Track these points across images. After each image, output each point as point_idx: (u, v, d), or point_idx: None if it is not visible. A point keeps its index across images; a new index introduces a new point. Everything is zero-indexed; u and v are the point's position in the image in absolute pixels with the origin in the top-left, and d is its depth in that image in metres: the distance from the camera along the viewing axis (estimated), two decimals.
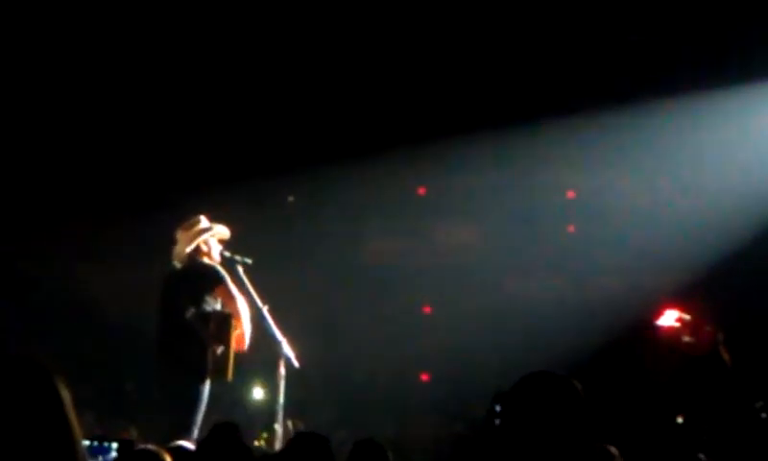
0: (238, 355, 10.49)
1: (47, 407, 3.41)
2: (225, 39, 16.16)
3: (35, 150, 16.93)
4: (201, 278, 10.50)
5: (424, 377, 18.49)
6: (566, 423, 4.75)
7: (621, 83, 16.31)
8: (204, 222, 10.69)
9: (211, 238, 10.71)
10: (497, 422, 8.20)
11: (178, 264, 10.64)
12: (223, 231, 10.84)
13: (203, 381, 10.26)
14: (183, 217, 10.89)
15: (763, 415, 11.51)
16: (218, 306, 10.48)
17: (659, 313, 12.79)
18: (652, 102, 16.11)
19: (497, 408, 8.21)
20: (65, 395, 3.46)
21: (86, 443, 7.61)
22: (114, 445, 7.81)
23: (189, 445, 8.05)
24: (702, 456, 5.75)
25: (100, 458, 7.81)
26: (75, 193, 17.02)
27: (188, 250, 10.55)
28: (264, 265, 11.21)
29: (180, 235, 10.64)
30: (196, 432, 10.02)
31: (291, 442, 6.79)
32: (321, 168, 17.32)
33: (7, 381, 3.42)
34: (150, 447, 6.34)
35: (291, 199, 18.33)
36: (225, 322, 10.38)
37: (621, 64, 16.37)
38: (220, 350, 10.32)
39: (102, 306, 17.55)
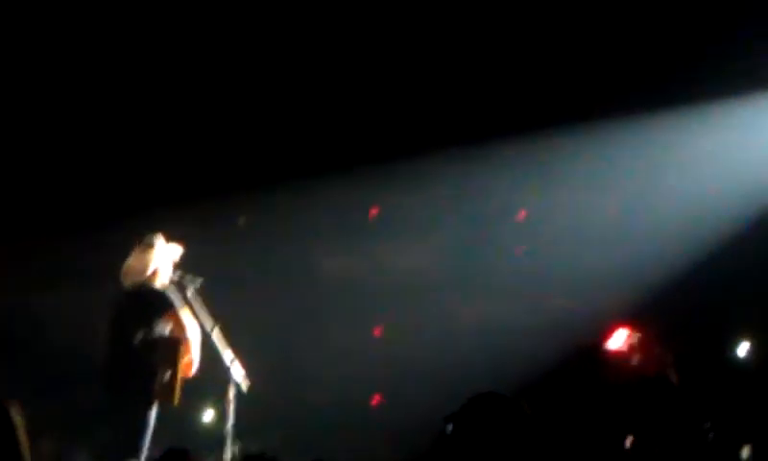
0: (187, 379, 10.46)
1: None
2: (171, 58, 16.05)
3: None
4: (150, 303, 10.46)
5: (375, 400, 18.44)
6: (514, 443, 4.78)
7: (571, 103, 16.37)
8: (160, 243, 10.66)
9: (163, 260, 10.69)
10: (448, 442, 8.20)
11: (128, 285, 10.58)
12: (176, 252, 10.81)
13: (149, 406, 10.22)
14: (133, 238, 10.84)
15: (711, 435, 11.56)
16: (166, 331, 10.44)
17: (609, 334, 12.88)
18: (602, 122, 16.17)
19: (449, 428, 8.21)
20: (18, 421, 3.43)
21: None
22: None
23: None
24: None
25: None
26: (18, 214, 16.81)
27: (147, 273, 10.51)
28: (215, 286, 11.18)
29: (135, 255, 10.59)
30: (143, 458, 9.99)
31: None
32: (272, 188, 17.27)
33: None
34: None
35: (242, 219, 18.24)
36: (173, 347, 10.36)
37: (571, 85, 16.43)
38: (167, 375, 10.28)
39: (48, 330, 17.38)
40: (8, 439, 3.47)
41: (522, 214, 18.61)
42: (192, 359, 10.41)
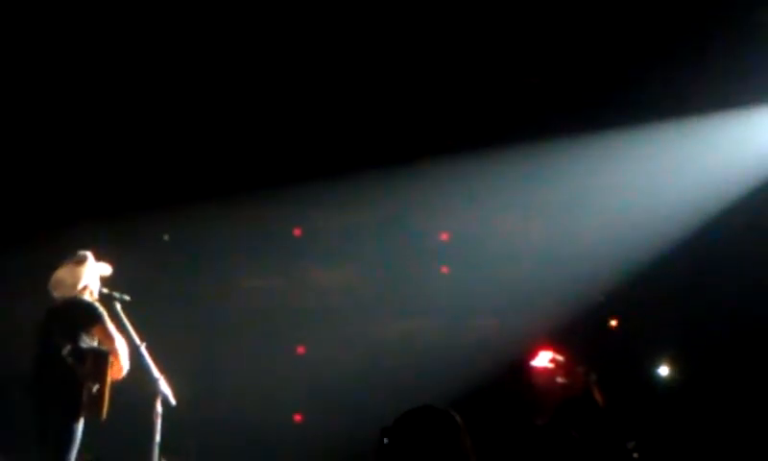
0: (114, 393, 10.38)
1: None
2: (101, 72, 15.93)
3: None
4: (79, 315, 10.38)
5: (297, 418, 18.41)
6: (450, 454, 4.82)
7: (494, 125, 16.50)
8: (91, 259, 10.61)
9: (93, 276, 10.64)
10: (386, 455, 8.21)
11: (57, 297, 10.49)
12: (105, 269, 10.77)
13: (76, 419, 10.12)
14: (60, 252, 10.77)
15: (635, 455, 11.69)
16: (95, 344, 10.36)
17: (533, 354, 12.95)
18: (525, 144, 16.31)
19: (385, 440, 8.21)
20: None
21: None
22: None
23: None
24: None
25: None
26: None
27: (78, 287, 10.44)
28: (140, 303, 11.12)
29: (66, 268, 10.52)
30: None
31: None
32: (196, 206, 17.20)
33: None
34: None
35: (166, 237, 18.12)
36: (102, 360, 10.27)
37: (496, 107, 16.56)
38: (95, 388, 10.19)
39: None
40: None
41: (445, 235, 18.71)
42: (122, 366, 10.34)
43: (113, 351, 10.29)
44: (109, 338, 10.30)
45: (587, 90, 15.79)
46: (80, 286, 10.43)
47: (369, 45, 15.83)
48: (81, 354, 10.20)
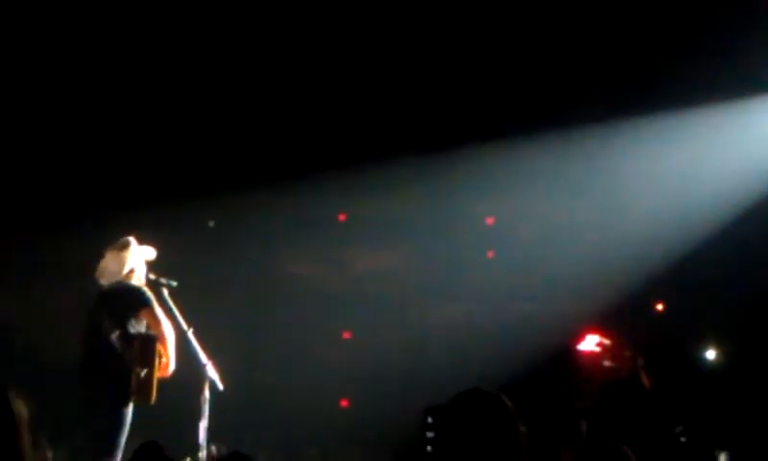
0: (162, 378, 10.41)
1: (0, 424, 3.28)
2: (145, 60, 16.01)
3: None
4: (127, 300, 10.40)
5: (344, 403, 18.46)
6: (500, 437, 4.81)
7: (538, 110, 16.44)
8: (134, 244, 10.64)
9: (138, 260, 10.67)
10: (429, 434, 8.25)
11: (104, 284, 10.54)
12: (149, 253, 10.79)
13: (126, 404, 10.15)
14: (105, 239, 10.82)
15: (682, 439, 11.63)
16: (143, 329, 10.39)
17: (580, 338, 12.94)
18: (570, 128, 16.25)
19: (429, 420, 8.26)
20: (20, 412, 3.34)
21: None
22: None
23: None
24: None
25: None
26: None
27: (123, 272, 10.49)
28: (187, 289, 11.15)
29: (111, 255, 10.56)
30: (119, 456, 9.93)
31: None
32: (242, 192, 17.28)
33: None
34: None
35: (212, 223, 18.20)
36: (149, 344, 10.28)
37: (538, 92, 16.49)
38: (144, 372, 10.21)
39: (18, 330, 17.31)
40: (9, 431, 3.35)
41: (491, 220, 18.68)
42: (169, 359, 10.36)
43: (161, 336, 10.30)
44: (157, 322, 10.31)
45: (632, 73, 15.70)
46: (125, 271, 10.45)
47: (415, 31, 15.83)
48: (129, 339, 10.22)
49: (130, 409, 10.14)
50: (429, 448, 8.14)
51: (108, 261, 10.58)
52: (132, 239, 10.71)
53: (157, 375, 10.29)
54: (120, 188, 16.81)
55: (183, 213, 17.07)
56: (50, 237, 16.44)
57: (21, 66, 15.62)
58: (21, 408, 3.36)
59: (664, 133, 15.97)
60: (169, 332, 10.36)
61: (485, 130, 16.60)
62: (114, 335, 10.17)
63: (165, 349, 10.32)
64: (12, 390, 3.36)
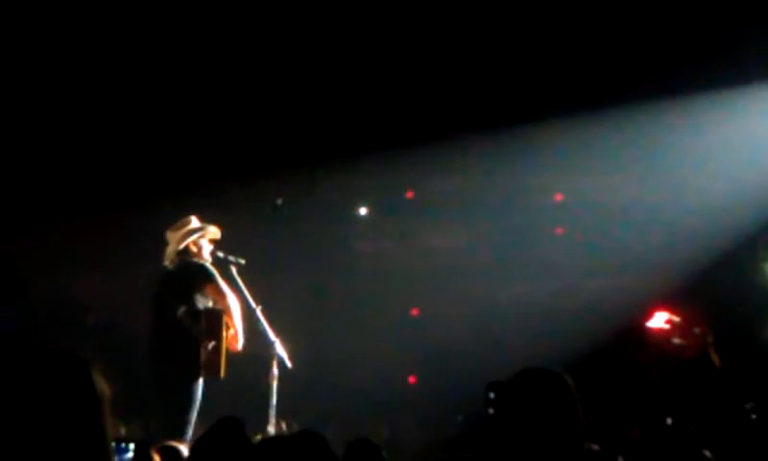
0: (231, 355, 10.49)
1: (84, 402, 3.30)
2: (220, 38, 16.08)
3: (20, 151, 16.83)
4: (190, 275, 10.51)
5: (412, 380, 18.50)
6: (560, 416, 4.81)
7: (607, 84, 16.31)
8: (194, 222, 10.73)
9: (202, 239, 10.73)
10: (491, 410, 8.23)
11: (168, 265, 10.66)
12: (214, 232, 10.86)
13: (196, 379, 10.25)
14: (173, 219, 10.92)
15: (753, 416, 11.53)
16: (209, 304, 10.48)
17: (648, 315, 12.83)
18: (639, 103, 16.11)
19: (491, 395, 8.24)
20: (103, 390, 3.35)
21: None
22: (132, 445, 7.73)
23: (182, 446, 8.00)
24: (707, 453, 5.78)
25: (117, 459, 7.72)
26: (62, 196, 16.93)
27: (178, 249, 10.58)
28: (255, 267, 11.22)
29: (170, 236, 10.68)
30: (190, 431, 10.03)
31: (293, 440, 6.68)
32: (309, 170, 17.36)
33: (45, 374, 3.31)
34: (171, 443, 6.25)
35: (279, 201, 18.28)
36: (216, 318, 10.38)
37: (607, 67, 16.37)
38: (212, 345, 10.29)
39: (91, 308, 17.55)
40: (92, 410, 3.36)
41: (559, 196, 18.60)
42: (237, 332, 10.44)
43: (227, 309, 10.38)
44: (222, 296, 10.40)
45: (702, 49, 15.51)
46: (181, 247, 10.54)
47: (483, 10, 15.81)
48: (196, 315, 10.33)
49: (200, 384, 10.25)
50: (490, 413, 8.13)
51: (169, 241, 10.70)
52: (191, 218, 10.80)
53: (226, 347, 10.38)
54: (191, 169, 16.94)
55: (253, 192, 17.17)
56: (122, 218, 16.64)
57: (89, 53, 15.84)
58: (104, 387, 3.37)
59: (737, 107, 15.77)
60: (234, 305, 10.45)
61: (553, 106, 16.52)
62: (181, 311, 10.28)
63: (232, 321, 10.41)
64: (96, 368, 3.37)
